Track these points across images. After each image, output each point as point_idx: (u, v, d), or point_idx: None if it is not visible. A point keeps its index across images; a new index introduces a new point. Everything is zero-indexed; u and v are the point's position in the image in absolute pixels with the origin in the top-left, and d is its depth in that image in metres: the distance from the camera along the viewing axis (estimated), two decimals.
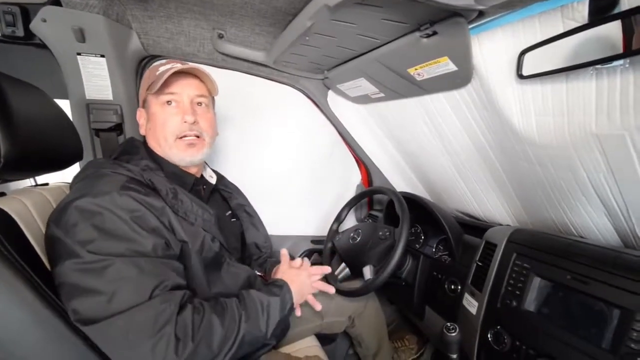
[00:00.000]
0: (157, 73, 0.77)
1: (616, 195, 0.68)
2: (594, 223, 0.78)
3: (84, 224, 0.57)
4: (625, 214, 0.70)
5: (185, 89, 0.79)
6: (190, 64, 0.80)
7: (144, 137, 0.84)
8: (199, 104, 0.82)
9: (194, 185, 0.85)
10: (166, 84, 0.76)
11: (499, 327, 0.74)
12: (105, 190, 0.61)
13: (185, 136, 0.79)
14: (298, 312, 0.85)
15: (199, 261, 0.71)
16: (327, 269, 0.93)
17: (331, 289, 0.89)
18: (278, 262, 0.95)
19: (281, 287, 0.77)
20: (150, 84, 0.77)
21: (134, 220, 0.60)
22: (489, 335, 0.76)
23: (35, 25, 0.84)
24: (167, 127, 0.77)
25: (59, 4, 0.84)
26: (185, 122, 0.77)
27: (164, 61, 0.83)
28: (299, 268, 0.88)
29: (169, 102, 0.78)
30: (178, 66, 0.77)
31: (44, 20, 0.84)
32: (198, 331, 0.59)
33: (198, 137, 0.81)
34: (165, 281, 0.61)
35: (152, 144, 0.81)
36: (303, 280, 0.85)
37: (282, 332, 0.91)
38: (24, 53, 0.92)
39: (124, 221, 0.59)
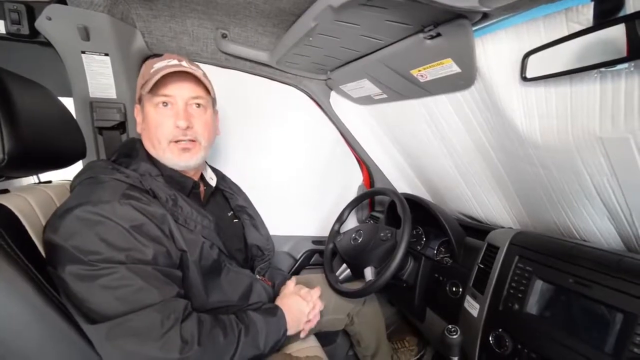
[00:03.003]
0: (152, 71, 0.72)
1: (619, 198, 0.68)
2: (596, 226, 0.78)
3: (84, 233, 0.57)
4: (628, 218, 0.70)
5: (181, 91, 0.75)
6: (185, 64, 0.75)
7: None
8: (197, 105, 0.78)
9: (193, 188, 0.82)
10: (161, 83, 0.72)
11: (500, 330, 0.74)
12: (106, 199, 0.60)
13: (179, 141, 0.75)
14: (302, 334, 0.86)
15: (197, 270, 0.71)
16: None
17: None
18: (284, 276, 0.99)
19: (276, 310, 0.79)
20: (144, 82, 0.73)
21: (135, 230, 0.60)
22: (490, 338, 0.75)
23: (41, 23, 0.84)
24: (160, 131, 0.74)
25: (64, 3, 0.85)
26: (177, 127, 0.73)
27: (161, 57, 0.78)
28: (303, 296, 0.87)
29: (163, 104, 0.74)
30: (173, 63, 0.73)
31: (49, 19, 0.84)
32: (203, 337, 0.60)
33: (194, 141, 0.77)
34: (168, 289, 0.61)
35: (147, 145, 0.77)
36: (300, 310, 0.84)
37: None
38: (29, 51, 0.92)
39: (124, 230, 0.59)
